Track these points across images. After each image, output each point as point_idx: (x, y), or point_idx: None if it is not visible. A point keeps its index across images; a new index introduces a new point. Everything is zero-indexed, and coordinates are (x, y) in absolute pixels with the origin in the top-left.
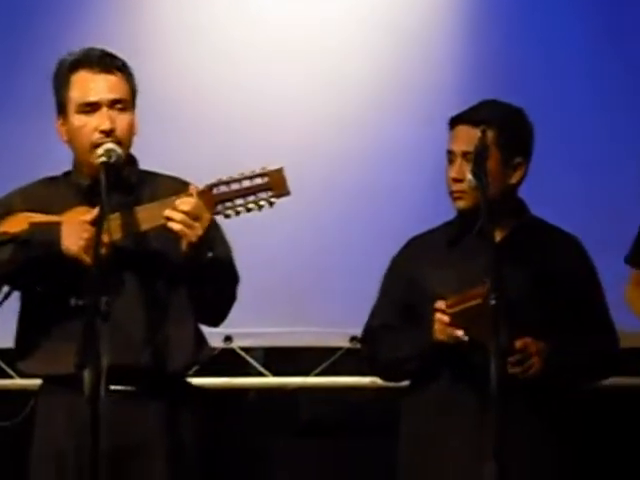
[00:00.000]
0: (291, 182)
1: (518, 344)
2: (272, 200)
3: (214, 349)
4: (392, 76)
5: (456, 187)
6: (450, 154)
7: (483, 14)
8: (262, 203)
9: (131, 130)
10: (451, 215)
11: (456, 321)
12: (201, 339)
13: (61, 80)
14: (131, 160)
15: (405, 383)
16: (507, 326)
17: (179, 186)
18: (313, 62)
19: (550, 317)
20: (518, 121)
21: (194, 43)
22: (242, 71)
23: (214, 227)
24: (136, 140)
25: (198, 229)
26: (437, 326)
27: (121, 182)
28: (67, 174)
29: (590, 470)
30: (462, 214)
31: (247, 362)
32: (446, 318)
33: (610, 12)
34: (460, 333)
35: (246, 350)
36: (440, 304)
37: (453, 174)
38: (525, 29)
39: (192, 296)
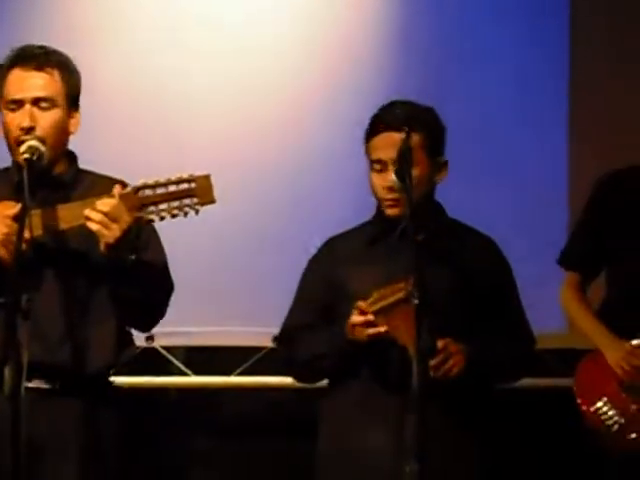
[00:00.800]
0: (215, 181)
1: (440, 344)
2: (197, 207)
3: (137, 348)
4: (316, 78)
5: (391, 195)
6: (378, 163)
7: (409, 16)
8: (187, 209)
9: (57, 128)
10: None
11: (378, 318)
12: (124, 340)
13: (1, 76)
14: (70, 158)
15: (324, 383)
16: (429, 326)
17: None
18: (235, 62)
19: (470, 317)
20: (437, 120)
21: (117, 42)
22: (162, 71)
23: (148, 232)
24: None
25: (115, 230)
26: (353, 327)
27: (52, 179)
28: (7, 169)
29: (508, 469)
30: (392, 220)
31: (169, 361)
32: (362, 318)
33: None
34: (383, 329)
35: (168, 349)
36: (360, 303)
37: (387, 183)
38: (452, 29)
39: (116, 298)
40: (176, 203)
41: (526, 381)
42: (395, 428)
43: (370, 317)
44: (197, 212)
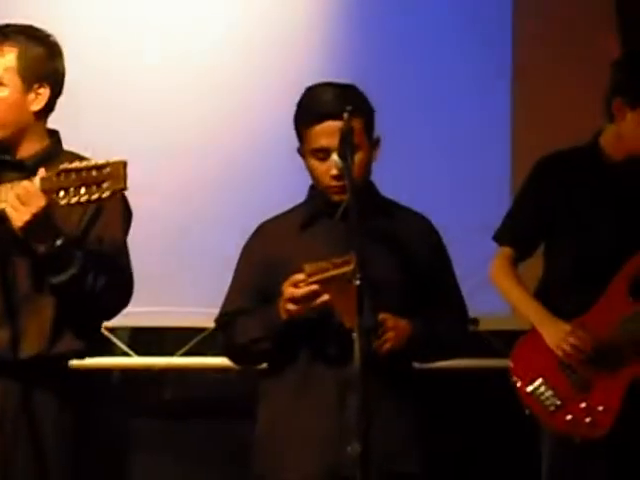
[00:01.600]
0: (156, 168)
1: (379, 318)
2: (107, 193)
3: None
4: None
5: (337, 182)
6: (321, 152)
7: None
8: (103, 194)
9: (6, 107)
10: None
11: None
12: (61, 329)
13: None
14: (52, 137)
15: (264, 366)
16: (370, 305)
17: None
18: (167, 44)
19: (408, 295)
20: (369, 101)
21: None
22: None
23: (110, 214)
24: None
25: (24, 214)
26: (287, 304)
27: (8, 161)
28: None
29: (454, 447)
30: (330, 202)
31: (112, 342)
32: (299, 291)
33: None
34: (326, 297)
35: (111, 330)
36: (292, 278)
37: (335, 171)
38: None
39: (53, 286)
40: (93, 188)
41: (472, 362)
42: (335, 408)
43: (314, 287)
44: (110, 196)
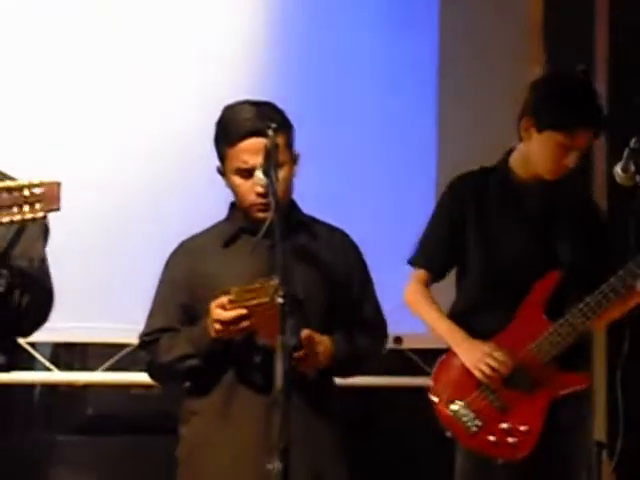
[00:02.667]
0: (77, 180)
1: (303, 335)
2: (40, 213)
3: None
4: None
5: (262, 200)
6: (246, 170)
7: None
8: (36, 215)
9: None
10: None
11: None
12: None
13: None
14: None
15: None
16: (293, 324)
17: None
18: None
19: (331, 312)
20: (288, 119)
21: None
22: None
23: (25, 233)
24: None
25: None
26: (215, 324)
27: None
28: None
29: (376, 464)
30: (253, 220)
31: (33, 357)
32: (232, 314)
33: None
34: (246, 324)
35: (33, 345)
36: (219, 301)
37: (260, 189)
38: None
39: None
40: (26, 208)
41: (396, 380)
42: (260, 427)
43: (242, 311)
44: (44, 217)
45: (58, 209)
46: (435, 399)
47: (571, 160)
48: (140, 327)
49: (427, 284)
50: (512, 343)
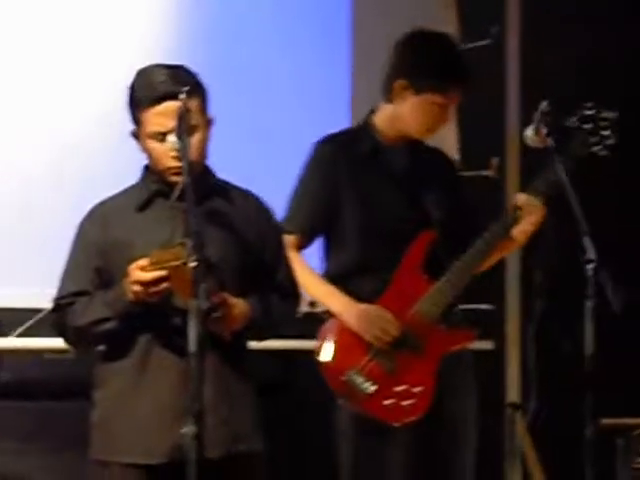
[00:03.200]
0: None
1: (216, 299)
2: None
3: None
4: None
5: (177, 163)
6: (160, 133)
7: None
8: None
9: None
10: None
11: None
12: None
13: None
14: None
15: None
16: (207, 286)
17: None
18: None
19: (245, 275)
20: (202, 82)
21: None
22: None
23: None
24: None
25: None
26: (134, 286)
27: None
28: None
29: (283, 426)
30: (166, 183)
31: None
32: (151, 275)
33: None
34: (165, 286)
35: None
36: (139, 263)
37: (174, 153)
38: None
39: None
40: None
41: (310, 343)
42: (175, 390)
43: (162, 272)
44: None
45: None
46: (326, 372)
47: (447, 118)
48: (53, 291)
49: (301, 248)
50: (396, 306)
